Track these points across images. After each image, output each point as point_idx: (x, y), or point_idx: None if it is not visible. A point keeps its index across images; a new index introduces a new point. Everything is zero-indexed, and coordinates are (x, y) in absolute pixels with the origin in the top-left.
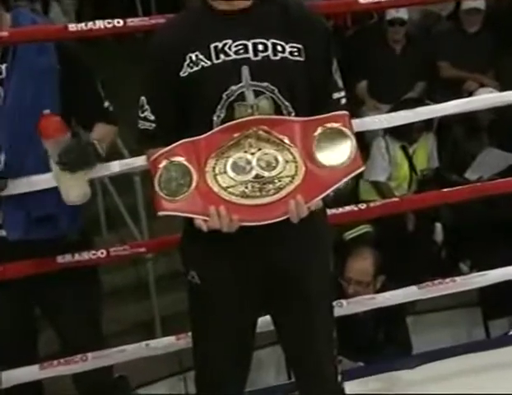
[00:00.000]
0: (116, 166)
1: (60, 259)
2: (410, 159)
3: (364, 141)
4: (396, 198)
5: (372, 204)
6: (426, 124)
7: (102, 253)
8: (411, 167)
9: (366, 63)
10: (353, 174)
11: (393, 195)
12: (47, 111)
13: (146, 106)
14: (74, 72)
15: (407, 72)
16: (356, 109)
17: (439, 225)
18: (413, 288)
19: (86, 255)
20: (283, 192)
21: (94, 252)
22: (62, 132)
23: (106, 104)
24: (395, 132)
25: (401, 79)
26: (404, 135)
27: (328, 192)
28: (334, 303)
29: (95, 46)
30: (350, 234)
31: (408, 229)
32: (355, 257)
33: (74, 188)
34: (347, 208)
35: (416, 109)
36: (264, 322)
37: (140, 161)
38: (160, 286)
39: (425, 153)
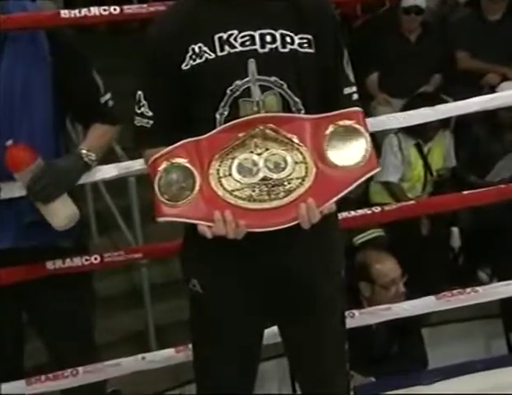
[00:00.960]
0: (113, 170)
1: (50, 265)
2: (425, 158)
3: (374, 139)
4: (412, 201)
5: (387, 207)
6: (443, 121)
7: (96, 259)
8: (426, 167)
9: (377, 55)
10: (368, 175)
11: (406, 197)
12: (10, 142)
13: (144, 101)
14: (68, 63)
15: (421, 63)
16: (365, 103)
17: (456, 230)
18: (431, 298)
19: (78, 261)
20: (293, 196)
21: (87, 257)
22: (31, 160)
23: (105, 98)
24: (409, 129)
25: (415, 71)
26: (419, 132)
27: (342, 194)
28: (346, 313)
29: (86, 36)
30: (360, 239)
31: (422, 233)
32: (378, 260)
33: (57, 214)
34: (360, 212)
35: (435, 107)
36: (270, 333)
37: (138, 164)
38: (154, 294)
39: (442, 152)
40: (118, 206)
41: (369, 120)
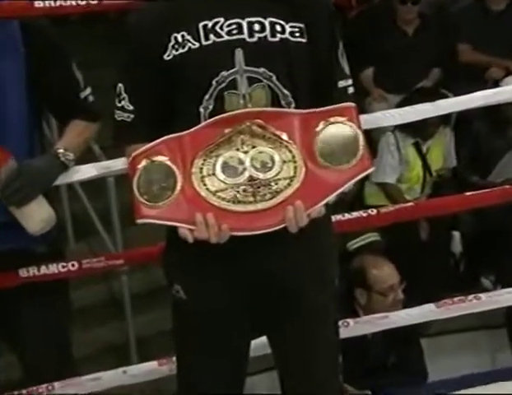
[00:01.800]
0: (92, 170)
1: (23, 273)
2: (424, 157)
3: (370, 137)
4: (410, 203)
5: (383, 210)
6: (443, 118)
7: (73, 266)
8: (425, 167)
9: (372, 48)
10: (361, 176)
11: (404, 199)
12: None
13: (124, 94)
14: (43, 55)
15: (419, 57)
16: (360, 99)
17: (457, 234)
18: (431, 306)
19: (53, 268)
20: (280, 197)
21: (63, 264)
22: (3, 161)
23: (85, 93)
24: (406, 127)
25: (413, 65)
26: (417, 130)
27: (332, 196)
28: (340, 322)
29: (60, 27)
30: (354, 244)
31: (421, 238)
32: (375, 265)
33: (32, 218)
34: (355, 214)
35: (435, 102)
36: (259, 344)
37: (119, 164)
38: (135, 304)
39: (442, 151)
40: (96, 208)
41: (363, 117)
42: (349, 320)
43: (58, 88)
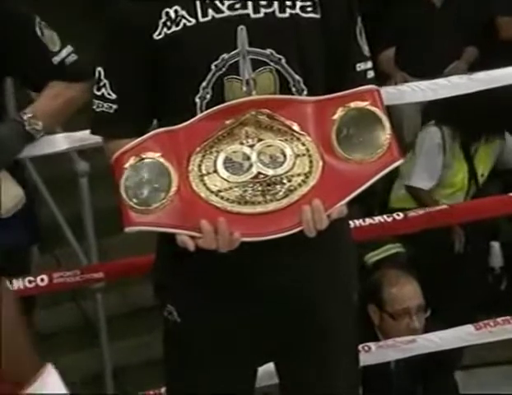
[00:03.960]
0: (62, 142)
1: None
2: (471, 161)
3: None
4: (444, 205)
5: (411, 213)
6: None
7: (42, 281)
8: (472, 172)
9: (394, 24)
10: (388, 169)
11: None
12: None
13: (105, 80)
14: None
15: (450, 33)
16: (379, 85)
17: (496, 245)
18: (468, 328)
19: (18, 283)
20: (294, 196)
21: (30, 279)
22: None
23: (60, 56)
24: (456, 123)
25: (442, 44)
26: (470, 127)
27: (355, 194)
28: (360, 347)
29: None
30: (373, 257)
31: (455, 249)
32: (394, 282)
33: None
34: (377, 219)
35: (472, 75)
36: (264, 373)
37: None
38: (112, 327)
39: (490, 153)
40: (65, 214)
41: (386, 89)
42: (370, 344)
43: (23, 59)
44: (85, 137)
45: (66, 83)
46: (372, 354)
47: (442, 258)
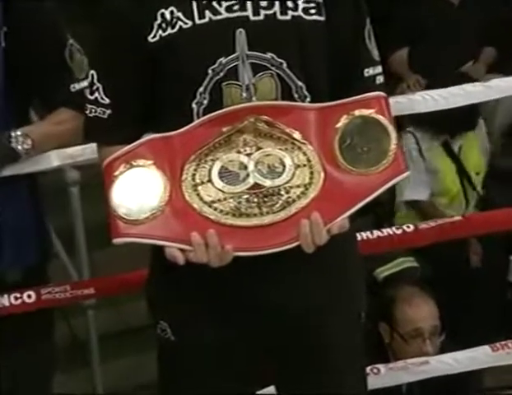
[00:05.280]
0: (53, 159)
1: None
2: (457, 160)
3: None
4: (457, 217)
5: (423, 225)
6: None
7: (29, 297)
8: (462, 172)
9: (408, 22)
10: (394, 182)
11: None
12: None
13: (98, 84)
14: (28, 36)
15: (467, 33)
16: (390, 88)
17: None
18: (485, 350)
19: (3, 300)
20: (292, 209)
21: (16, 295)
22: None
23: (80, 85)
24: (428, 123)
25: (459, 43)
26: (443, 125)
27: (357, 207)
28: (368, 369)
29: None
30: (384, 271)
31: (471, 264)
32: (408, 300)
33: None
34: (386, 232)
35: (490, 83)
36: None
37: (89, 152)
38: (104, 347)
39: (478, 146)
40: (55, 226)
41: (395, 99)
42: (380, 366)
43: (45, 80)
44: (76, 153)
45: (75, 113)
46: (382, 376)
47: (457, 273)
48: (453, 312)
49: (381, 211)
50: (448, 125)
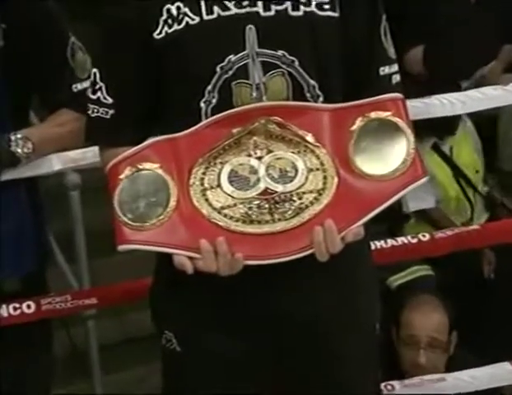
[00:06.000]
0: (54, 163)
1: None
2: (450, 162)
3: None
4: (475, 226)
5: (439, 234)
6: None
7: (29, 308)
8: (457, 173)
9: (422, 18)
10: (411, 187)
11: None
12: None
13: (100, 83)
14: (27, 36)
15: (486, 30)
16: (405, 89)
17: None
18: (504, 365)
19: (2, 311)
20: (305, 216)
21: (16, 305)
22: None
23: (82, 85)
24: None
25: (478, 42)
26: (433, 126)
27: (373, 214)
28: (382, 385)
29: None
30: (398, 280)
31: (485, 275)
32: (419, 307)
33: None
34: (400, 241)
35: (507, 86)
36: None
37: (91, 155)
38: (105, 359)
39: (470, 145)
40: (54, 231)
41: (410, 103)
42: (394, 383)
43: (44, 78)
44: (78, 156)
45: (77, 114)
46: (396, 393)
47: (469, 284)
48: (467, 324)
49: (396, 218)
50: (429, 127)
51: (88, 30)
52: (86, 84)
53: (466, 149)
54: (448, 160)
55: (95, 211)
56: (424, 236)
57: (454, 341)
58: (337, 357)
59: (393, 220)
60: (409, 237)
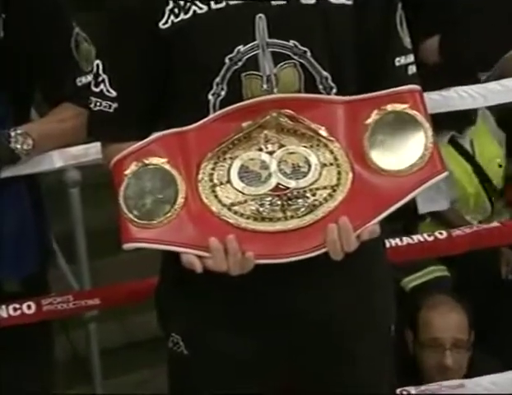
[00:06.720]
0: (56, 160)
1: None
2: (470, 157)
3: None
4: (495, 223)
5: (457, 232)
6: None
7: (29, 308)
8: (477, 170)
9: (439, 7)
10: (429, 184)
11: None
12: None
13: (103, 75)
14: (28, 26)
15: (507, 16)
16: (421, 80)
17: None
18: None
19: (1, 312)
20: (319, 213)
21: (16, 306)
22: None
23: (85, 79)
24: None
25: (497, 31)
26: (450, 119)
27: (389, 211)
28: (398, 391)
29: None
30: (412, 281)
31: (502, 275)
32: (436, 307)
33: None
34: (416, 239)
35: None
36: None
37: (94, 152)
38: (107, 363)
39: (490, 137)
40: (54, 231)
41: (428, 96)
42: (410, 388)
43: (47, 71)
44: (80, 153)
45: (81, 109)
46: None
47: (486, 284)
48: (482, 327)
49: (411, 216)
50: (447, 119)
51: (92, 20)
52: (91, 77)
53: (487, 141)
54: (467, 154)
55: (97, 209)
56: (441, 234)
57: (471, 341)
58: (352, 356)
59: (408, 218)
60: (425, 235)
